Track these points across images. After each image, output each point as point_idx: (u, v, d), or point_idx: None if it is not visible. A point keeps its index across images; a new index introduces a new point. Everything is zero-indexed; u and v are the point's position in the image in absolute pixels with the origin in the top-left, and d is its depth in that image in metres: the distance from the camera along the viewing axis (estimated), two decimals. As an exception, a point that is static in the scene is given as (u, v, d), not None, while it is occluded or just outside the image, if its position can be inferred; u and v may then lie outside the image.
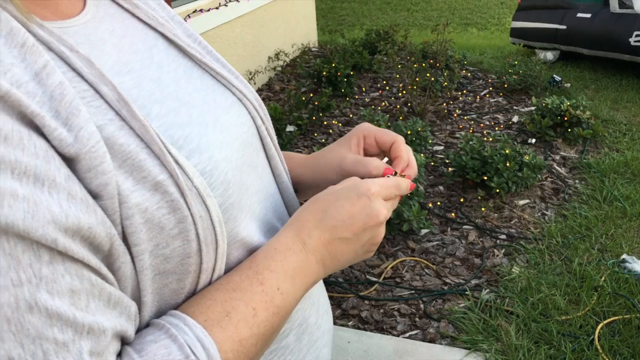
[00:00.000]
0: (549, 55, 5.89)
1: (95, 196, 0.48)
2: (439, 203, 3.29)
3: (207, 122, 0.62)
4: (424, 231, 3.01)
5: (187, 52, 0.68)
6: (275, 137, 0.75)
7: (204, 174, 0.58)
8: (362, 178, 0.71)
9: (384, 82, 5.31)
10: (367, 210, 0.63)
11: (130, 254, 0.52)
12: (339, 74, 4.88)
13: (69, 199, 0.45)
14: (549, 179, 3.57)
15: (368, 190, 0.64)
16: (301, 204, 0.78)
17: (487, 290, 2.59)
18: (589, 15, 5.49)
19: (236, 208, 0.63)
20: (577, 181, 3.57)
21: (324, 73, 4.90)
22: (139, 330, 0.55)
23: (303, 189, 0.84)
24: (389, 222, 2.91)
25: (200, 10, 4.21)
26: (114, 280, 0.50)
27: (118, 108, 0.53)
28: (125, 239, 0.51)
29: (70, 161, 0.47)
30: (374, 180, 0.66)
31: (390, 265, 2.77)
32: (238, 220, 0.64)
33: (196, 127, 0.60)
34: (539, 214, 3.20)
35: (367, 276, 2.72)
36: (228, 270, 0.63)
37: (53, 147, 0.46)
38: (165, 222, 0.53)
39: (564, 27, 5.62)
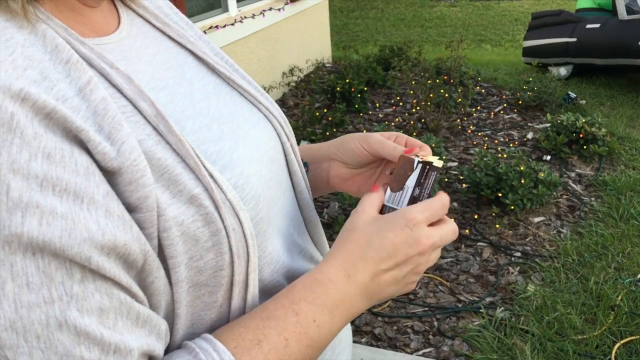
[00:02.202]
0: (562, 71, 5.88)
1: (134, 209, 0.49)
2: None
3: (238, 137, 0.64)
4: (437, 248, 2.99)
5: (216, 69, 0.69)
6: (298, 154, 0.76)
7: (237, 188, 0.59)
8: (373, 157, 0.74)
9: (398, 97, 5.31)
10: (409, 240, 0.61)
11: (166, 267, 0.52)
12: (352, 89, 4.89)
13: (107, 215, 0.46)
14: (564, 196, 3.54)
15: (413, 220, 0.61)
16: (322, 221, 0.78)
17: (502, 308, 2.57)
18: (598, 25, 5.52)
19: (265, 222, 0.64)
20: (593, 199, 3.54)
21: (338, 89, 4.91)
22: (172, 346, 0.55)
23: (318, 160, 0.82)
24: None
25: (216, 27, 4.26)
26: (144, 298, 0.51)
27: (156, 123, 0.54)
28: (161, 252, 0.52)
29: (111, 174, 0.49)
30: (419, 207, 0.62)
31: (404, 282, 2.76)
32: (267, 235, 0.64)
33: (228, 142, 0.62)
34: (555, 232, 3.17)
35: (381, 292, 2.70)
36: (262, 288, 0.64)
37: (96, 161, 0.48)
38: (200, 234, 0.54)
39: (574, 39, 5.64)
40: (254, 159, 0.64)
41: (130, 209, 0.49)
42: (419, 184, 0.67)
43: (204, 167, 0.55)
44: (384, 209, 0.67)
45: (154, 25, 0.68)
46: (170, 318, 0.55)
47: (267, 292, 0.65)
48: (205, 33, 4.04)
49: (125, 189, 0.49)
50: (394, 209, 0.66)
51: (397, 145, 0.72)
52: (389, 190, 0.67)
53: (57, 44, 0.49)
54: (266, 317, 0.56)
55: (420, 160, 0.68)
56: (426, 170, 0.67)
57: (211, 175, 0.55)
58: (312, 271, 0.61)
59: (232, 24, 4.47)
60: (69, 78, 0.49)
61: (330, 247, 0.66)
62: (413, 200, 0.66)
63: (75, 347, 0.44)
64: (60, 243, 0.43)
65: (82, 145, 0.47)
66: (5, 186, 0.41)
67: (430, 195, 0.66)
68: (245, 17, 4.68)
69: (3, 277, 0.42)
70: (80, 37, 0.53)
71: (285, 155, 0.73)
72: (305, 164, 0.81)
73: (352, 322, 2.51)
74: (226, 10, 4.66)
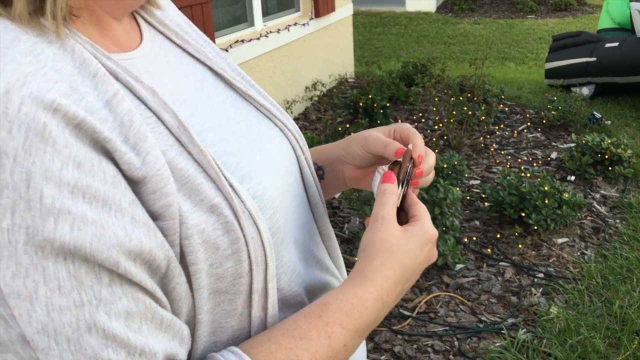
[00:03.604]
0: (585, 91, 5.84)
1: (157, 217, 0.51)
2: (474, 238, 3.25)
3: (255, 150, 0.66)
4: (459, 266, 2.97)
5: (233, 84, 0.72)
6: (312, 167, 0.78)
7: (255, 197, 0.61)
8: (377, 156, 0.74)
9: (420, 114, 5.31)
10: (429, 256, 0.66)
11: (187, 273, 0.54)
12: (375, 105, 4.90)
13: (133, 222, 0.48)
14: (588, 218, 3.50)
15: (434, 237, 0.66)
16: (342, 236, 0.79)
17: (524, 330, 2.53)
18: (616, 44, 5.52)
19: (282, 232, 0.66)
20: (617, 221, 3.49)
21: (361, 104, 4.92)
22: (194, 354, 0.56)
23: (331, 162, 0.84)
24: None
25: (242, 41, 4.30)
26: (167, 304, 0.52)
27: (178, 134, 0.56)
28: (182, 259, 0.53)
29: (136, 183, 0.50)
30: (429, 220, 0.67)
31: (425, 300, 2.74)
32: (284, 244, 0.66)
33: (246, 155, 0.64)
34: (579, 253, 3.13)
35: (401, 310, 2.68)
36: (281, 298, 0.65)
37: (121, 170, 0.49)
38: (220, 242, 0.55)
39: (594, 59, 5.62)
40: (270, 171, 0.66)
41: (154, 216, 0.51)
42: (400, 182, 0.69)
43: (224, 177, 0.57)
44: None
45: (174, 42, 0.70)
46: (192, 325, 0.56)
47: (286, 301, 0.66)
48: (231, 47, 4.11)
49: (149, 198, 0.50)
50: None
51: (390, 144, 0.72)
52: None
53: (85, 58, 0.51)
54: (299, 337, 0.56)
55: (386, 168, 0.71)
56: (399, 172, 0.69)
57: (231, 185, 0.57)
58: (347, 291, 0.61)
59: (258, 39, 4.52)
60: (96, 91, 0.50)
61: (343, 256, 0.68)
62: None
63: (103, 349, 0.46)
64: (91, 248, 0.45)
65: (109, 155, 0.49)
66: (38, 193, 0.43)
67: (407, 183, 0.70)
68: (270, 32, 4.73)
69: (36, 281, 0.43)
70: (106, 52, 0.55)
71: (300, 169, 0.75)
72: (321, 168, 0.83)
73: (372, 339, 2.50)
74: (252, 24, 4.71)
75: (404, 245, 0.63)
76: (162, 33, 0.70)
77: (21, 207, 0.43)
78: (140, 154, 0.50)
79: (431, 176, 0.75)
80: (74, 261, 0.44)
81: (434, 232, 0.66)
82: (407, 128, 0.75)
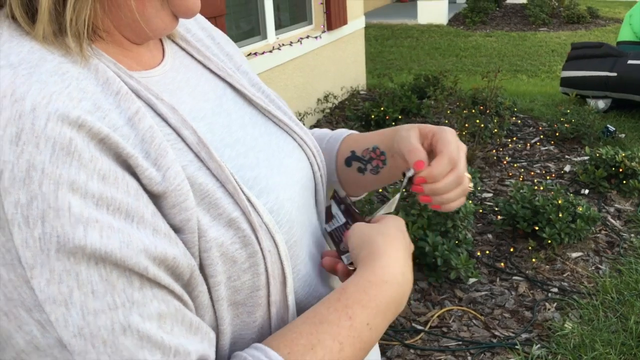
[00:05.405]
0: (600, 104, 5.80)
1: (177, 230, 0.53)
2: (487, 252, 3.23)
3: (273, 165, 0.67)
4: (471, 280, 2.95)
5: (252, 100, 0.73)
6: (326, 185, 0.79)
7: (272, 212, 0.62)
8: (402, 154, 0.73)
9: (432, 126, 5.30)
10: (408, 239, 0.69)
11: (207, 285, 0.55)
12: (387, 117, 4.91)
13: (154, 233, 0.49)
14: (603, 232, 3.47)
15: (403, 221, 0.69)
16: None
17: (539, 345, 2.50)
18: None
19: (299, 246, 0.67)
20: (632, 235, 3.45)
21: (373, 116, 4.94)
22: None
23: (389, 149, 0.80)
24: (435, 269, 2.88)
25: (255, 54, 4.33)
26: (193, 308, 0.54)
27: (197, 150, 0.57)
28: (201, 271, 0.54)
29: (157, 198, 0.52)
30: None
31: (437, 314, 2.72)
32: (300, 258, 0.67)
33: (263, 169, 0.65)
34: (593, 268, 3.10)
35: (413, 324, 2.67)
36: (299, 311, 0.66)
37: (142, 185, 0.51)
38: (238, 256, 0.56)
39: (614, 74, 5.55)
40: (287, 186, 0.67)
41: (174, 230, 0.52)
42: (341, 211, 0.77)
43: (242, 191, 0.58)
44: (326, 238, 0.77)
45: (195, 58, 0.72)
46: (216, 334, 0.57)
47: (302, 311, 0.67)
48: (244, 59, 4.14)
49: (169, 212, 0.52)
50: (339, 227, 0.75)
51: (414, 150, 0.70)
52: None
53: (108, 77, 0.53)
54: (319, 322, 0.57)
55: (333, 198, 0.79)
56: (339, 199, 0.78)
57: (248, 200, 0.58)
58: (362, 273, 0.61)
59: (271, 51, 4.55)
60: (119, 108, 0.52)
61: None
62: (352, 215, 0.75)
63: (139, 351, 0.47)
64: (120, 254, 0.46)
65: (131, 170, 0.50)
66: (67, 203, 0.44)
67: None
68: (283, 45, 4.76)
69: (70, 286, 0.44)
70: (128, 71, 0.57)
71: (315, 185, 0.77)
72: (383, 153, 0.80)
73: (384, 353, 2.48)
74: (265, 37, 4.75)
75: (390, 228, 0.66)
76: (183, 49, 0.71)
77: (51, 216, 0.44)
78: (161, 170, 0.52)
79: (457, 199, 0.71)
80: (105, 266, 0.46)
81: (401, 219, 0.68)
82: (445, 137, 0.71)
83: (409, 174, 0.69)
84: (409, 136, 0.72)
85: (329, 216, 0.77)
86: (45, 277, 0.44)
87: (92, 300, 0.45)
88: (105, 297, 0.46)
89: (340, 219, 0.75)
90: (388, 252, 0.62)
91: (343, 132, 0.89)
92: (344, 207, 0.75)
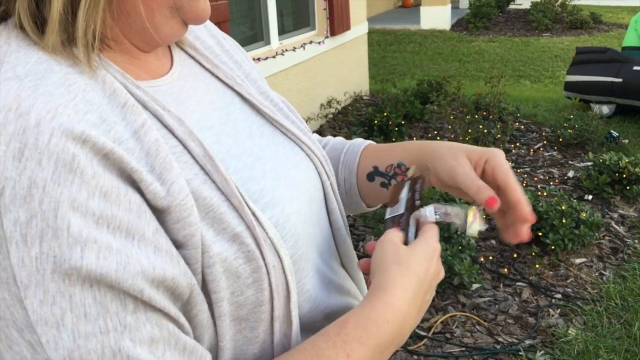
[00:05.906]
0: (605, 109, 5.78)
1: (180, 246, 0.52)
2: (491, 257, 3.22)
3: (279, 176, 0.66)
4: (475, 286, 2.94)
5: (260, 110, 0.72)
6: (337, 192, 0.77)
7: (277, 226, 0.61)
8: (464, 191, 0.69)
9: (435, 132, 5.30)
10: (437, 269, 0.64)
11: (209, 301, 0.54)
12: (390, 122, 4.90)
13: (156, 252, 0.49)
14: (606, 238, 3.46)
15: (437, 249, 0.64)
16: (357, 254, 0.79)
17: (542, 351, 2.50)
18: None
19: (304, 260, 0.66)
20: (636, 241, 3.44)
21: (376, 122, 4.93)
22: None
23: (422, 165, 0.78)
24: (439, 275, 2.86)
25: (258, 59, 4.34)
26: (189, 329, 0.53)
27: (203, 163, 0.56)
28: (204, 287, 0.54)
29: (160, 213, 0.51)
30: (435, 235, 0.65)
31: (440, 320, 2.71)
32: (305, 272, 0.66)
33: (270, 181, 0.64)
34: (597, 274, 3.09)
35: (416, 330, 2.66)
36: (303, 326, 0.64)
37: (146, 199, 0.50)
38: (242, 271, 0.56)
39: (619, 80, 5.53)
40: (294, 197, 0.66)
41: (177, 245, 0.51)
42: (412, 191, 0.71)
43: (247, 206, 0.57)
44: (385, 224, 0.70)
45: (203, 66, 0.71)
46: (214, 352, 0.56)
47: (306, 329, 0.66)
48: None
49: (173, 227, 0.51)
50: (395, 217, 0.69)
51: (482, 190, 0.68)
52: (388, 208, 0.72)
53: (115, 88, 0.53)
54: (316, 355, 0.55)
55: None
56: (413, 184, 0.72)
57: (253, 214, 0.57)
58: (365, 307, 0.59)
59: (274, 57, 4.56)
60: (125, 121, 0.52)
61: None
62: (411, 207, 0.69)
63: None
64: (116, 276, 0.45)
65: (135, 184, 0.50)
66: (66, 222, 0.44)
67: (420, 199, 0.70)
68: (286, 50, 4.77)
69: (63, 308, 0.44)
70: (135, 81, 0.56)
71: (325, 194, 0.75)
72: (409, 169, 0.78)
73: None
74: (268, 43, 4.75)
75: (412, 257, 0.62)
76: (192, 57, 0.71)
77: (49, 236, 0.44)
78: (165, 184, 0.51)
79: (524, 232, 0.72)
80: (99, 288, 0.45)
81: (436, 245, 0.64)
82: (501, 164, 0.70)
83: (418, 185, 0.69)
84: (463, 166, 0.69)
85: (394, 199, 0.71)
86: (38, 298, 0.43)
87: (84, 324, 0.44)
88: (97, 321, 0.45)
89: (401, 207, 0.69)
90: (398, 286, 0.59)
91: (361, 144, 0.86)
92: (411, 195, 0.70)
